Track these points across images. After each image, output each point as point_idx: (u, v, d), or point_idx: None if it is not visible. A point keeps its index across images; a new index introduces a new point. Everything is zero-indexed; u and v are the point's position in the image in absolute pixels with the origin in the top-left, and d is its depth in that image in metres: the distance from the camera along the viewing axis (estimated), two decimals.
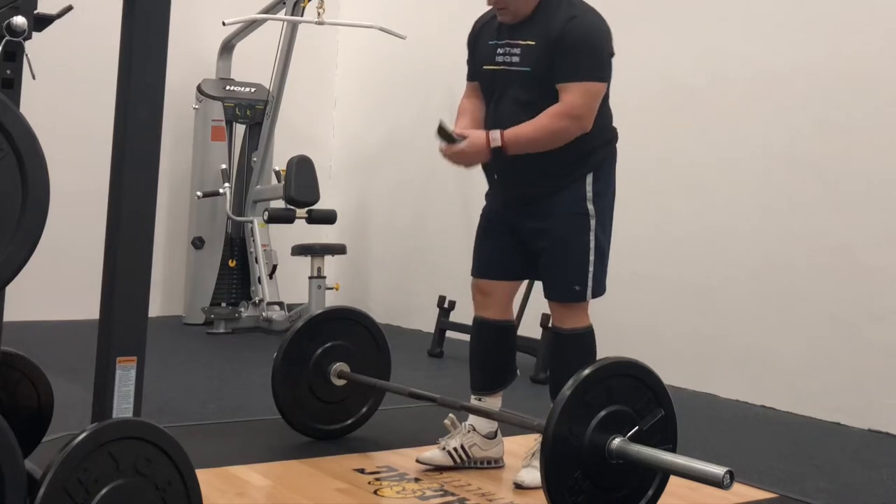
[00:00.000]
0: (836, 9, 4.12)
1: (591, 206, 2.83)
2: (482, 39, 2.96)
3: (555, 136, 2.75)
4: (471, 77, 3.03)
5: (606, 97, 2.86)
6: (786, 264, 4.24)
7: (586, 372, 2.34)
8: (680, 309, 4.67)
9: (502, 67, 2.85)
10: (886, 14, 3.94)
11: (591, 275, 2.83)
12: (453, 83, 6.19)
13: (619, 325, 4.79)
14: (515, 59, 2.82)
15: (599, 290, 2.88)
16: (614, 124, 2.96)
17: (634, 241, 4.79)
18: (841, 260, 4.04)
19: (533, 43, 2.79)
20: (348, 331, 3.35)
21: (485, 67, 2.91)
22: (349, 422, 3.34)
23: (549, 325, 3.53)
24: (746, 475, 2.99)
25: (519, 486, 2.80)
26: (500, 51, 2.86)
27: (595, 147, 2.84)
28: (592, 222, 2.83)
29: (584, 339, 2.89)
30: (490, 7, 2.91)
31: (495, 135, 2.77)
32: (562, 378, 2.81)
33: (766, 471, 3.17)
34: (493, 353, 3.03)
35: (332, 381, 3.28)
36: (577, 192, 2.83)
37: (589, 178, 2.84)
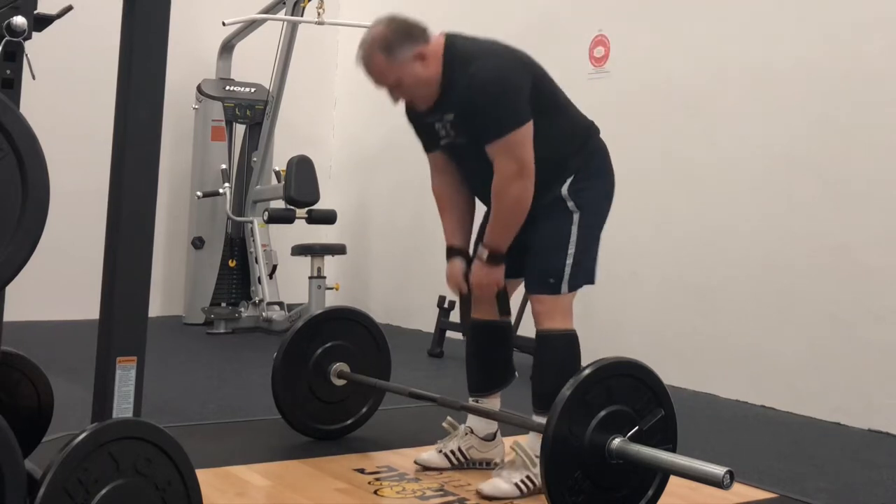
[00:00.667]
0: (837, 8, 4.12)
1: (571, 202, 2.76)
2: (419, 118, 2.87)
3: (514, 206, 2.70)
4: (428, 149, 2.94)
5: (551, 113, 2.74)
6: (786, 264, 4.24)
7: (586, 372, 2.34)
8: (680, 309, 4.67)
9: (450, 141, 2.80)
10: (887, 14, 3.94)
11: (568, 267, 2.74)
12: None
13: (619, 325, 4.80)
14: (452, 132, 2.77)
15: (585, 279, 2.79)
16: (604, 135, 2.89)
17: (634, 241, 4.79)
18: (841, 260, 4.04)
19: (453, 116, 2.72)
20: (348, 331, 3.35)
21: (440, 143, 2.85)
22: (349, 422, 3.34)
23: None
24: (746, 475, 2.99)
25: (480, 494, 2.70)
26: (437, 125, 2.80)
27: (565, 156, 2.78)
28: (576, 216, 2.76)
29: (561, 341, 2.76)
30: None
31: (480, 252, 2.79)
32: (535, 381, 2.78)
33: (766, 471, 3.17)
34: (488, 353, 3.00)
35: (332, 380, 3.27)
36: (559, 191, 2.77)
37: (568, 181, 2.77)
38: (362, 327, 3.39)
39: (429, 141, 2.91)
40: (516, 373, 3.05)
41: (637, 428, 2.35)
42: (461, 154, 2.83)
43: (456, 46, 2.72)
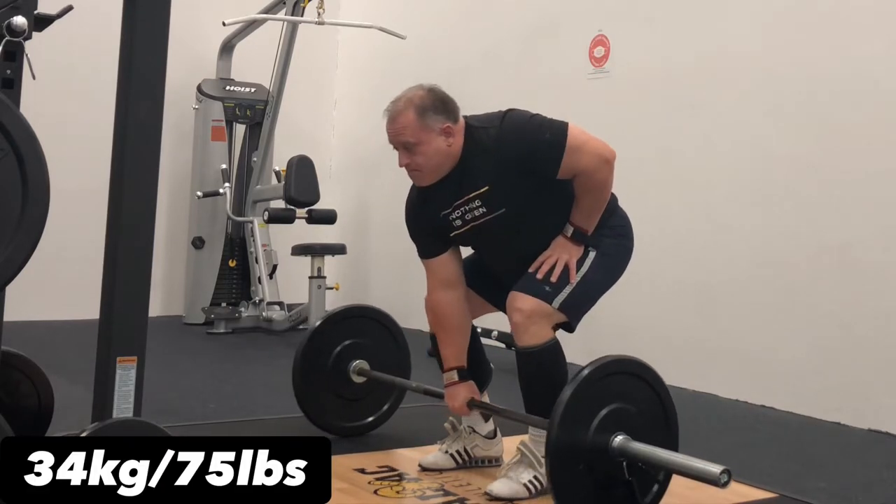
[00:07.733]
0: (837, 8, 4.12)
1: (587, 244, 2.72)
2: (427, 218, 2.79)
3: (608, 192, 2.68)
4: (433, 252, 2.82)
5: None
6: (786, 264, 4.24)
7: (586, 372, 2.35)
8: (680, 309, 4.67)
9: (472, 224, 2.70)
10: (887, 13, 3.94)
11: (569, 287, 2.65)
12: (453, 83, 6.20)
13: (620, 325, 4.79)
14: (481, 209, 2.67)
15: (571, 314, 2.68)
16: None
17: (634, 240, 4.78)
18: (841, 260, 4.04)
19: (488, 187, 2.63)
20: (368, 329, 3.39)
21: (452, 235, 2.76)
22: (371, 419, 3.38)
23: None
24: (746, 475, 2.99)
25: (489, 495, 2.70)
26: (455, 215, 2.71)
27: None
28: (592, 253, 2.70)
29: (545, 356, 2.63)
30: (417, 186, 2.80)
31: (567, 229, 2.67)
32: (527, 400, 2.72)
33: (766, 471, 3.17)
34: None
35: (351, 378, 3.31)
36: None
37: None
38: (381, 326, 3.44)
39: (434, 242, 2.81)
40: (491, 365, 3.08)
41: (638, 425, 2.36)
42: (491, 232, 2.71)
43: (473, 124, 2.69)
